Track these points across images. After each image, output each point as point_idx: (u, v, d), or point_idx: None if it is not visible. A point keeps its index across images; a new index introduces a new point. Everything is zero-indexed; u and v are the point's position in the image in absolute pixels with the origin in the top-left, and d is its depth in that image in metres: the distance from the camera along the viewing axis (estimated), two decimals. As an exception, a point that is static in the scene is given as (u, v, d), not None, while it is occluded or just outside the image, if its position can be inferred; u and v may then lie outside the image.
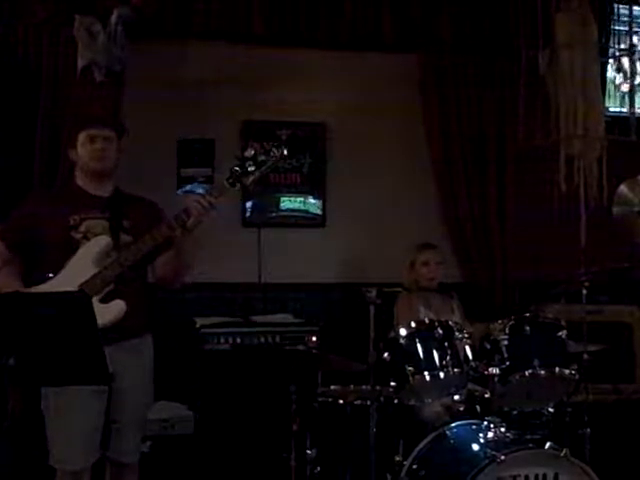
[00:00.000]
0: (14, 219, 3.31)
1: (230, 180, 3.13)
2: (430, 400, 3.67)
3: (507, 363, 3.44)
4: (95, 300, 3.00)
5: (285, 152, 3.17)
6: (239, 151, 3.17)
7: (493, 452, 3.28)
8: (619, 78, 5.25)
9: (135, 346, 3.21)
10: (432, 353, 3.48)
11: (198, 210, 3.08)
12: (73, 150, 3.30)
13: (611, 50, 5.10)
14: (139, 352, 3.24)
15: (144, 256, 3.13)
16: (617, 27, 5.29)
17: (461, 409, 3.76)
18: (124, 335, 3.11)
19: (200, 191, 5.28)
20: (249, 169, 3.11)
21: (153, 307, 3.33)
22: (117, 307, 3.05)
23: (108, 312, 3.01)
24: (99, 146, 3.24)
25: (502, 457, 3.23)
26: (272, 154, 3.13)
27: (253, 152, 3.12)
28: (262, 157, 3.12)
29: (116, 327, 3.02)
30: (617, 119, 5.40)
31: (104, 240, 3.14)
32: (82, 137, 3.26)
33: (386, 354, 3.53)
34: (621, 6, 5.16)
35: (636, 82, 5.16)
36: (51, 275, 3.10)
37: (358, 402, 3.66)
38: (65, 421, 3.09)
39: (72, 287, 2.98)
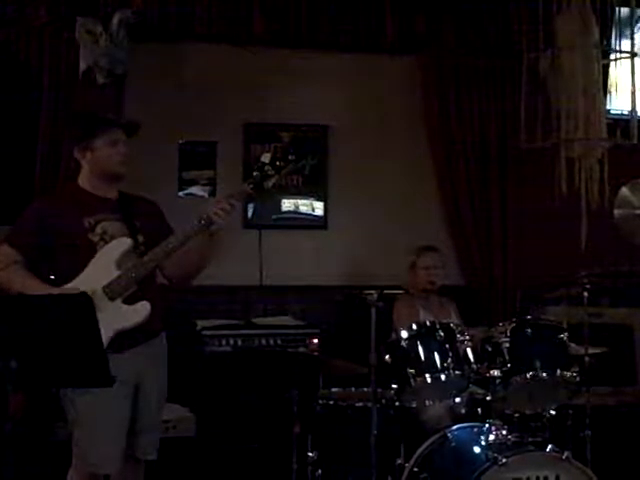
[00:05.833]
0: (22, 224, 3.26)
1: (251, 185, 3.18)
2: (431, 402, 3.67)
3: (508, 365, 3.43)
4: (119, 301, 3.06)
5: (294, 157, 3.28)
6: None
7: (495, 455, 3.28)
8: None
9: (156, 345, 3.26)
10: (433, 355, 3.47)
11: (219, 214, 3.10)
12: (87, 152, 3.21)
13: (612, 52, 5.08)
14: (159, 351, 3.30)
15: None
16: (618, 29, 5.27)
17: (462, 412, 3.76)
18: (148, 335, 3.18)
19: (201, 194, 5.32)
20: (269, 173, 3.16)
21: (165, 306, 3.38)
22: (143, 308, 3.09)
23: (135, 313, 3.07)
24: (123, 150, 3.23)
25: (504, 460, 3.24)
26: (289, 158, 3.22)
27: (270, 156, 3.19)
28: (279, 162, 3.19)
29: (140, 328, 3.08)
30: (618, 121, 5.39)
31: (126, 242, 3.15)
32: (103, 140, 3.20)
33: (387, 356, 3.53)
34: (622, 8, 5.14)
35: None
36: (52, 277, 3.11)
37: (359, 404, 3.66)
38: (97, 425, 3.08)
39: (96, 288, 3.01)
